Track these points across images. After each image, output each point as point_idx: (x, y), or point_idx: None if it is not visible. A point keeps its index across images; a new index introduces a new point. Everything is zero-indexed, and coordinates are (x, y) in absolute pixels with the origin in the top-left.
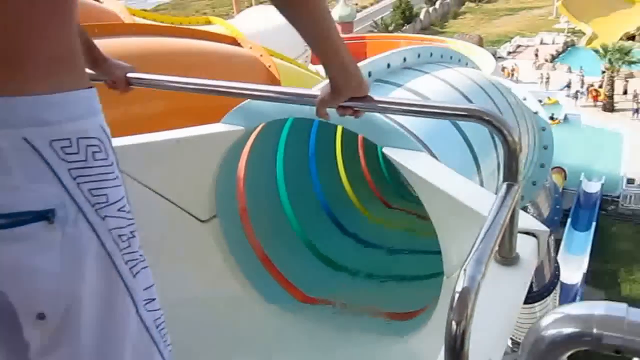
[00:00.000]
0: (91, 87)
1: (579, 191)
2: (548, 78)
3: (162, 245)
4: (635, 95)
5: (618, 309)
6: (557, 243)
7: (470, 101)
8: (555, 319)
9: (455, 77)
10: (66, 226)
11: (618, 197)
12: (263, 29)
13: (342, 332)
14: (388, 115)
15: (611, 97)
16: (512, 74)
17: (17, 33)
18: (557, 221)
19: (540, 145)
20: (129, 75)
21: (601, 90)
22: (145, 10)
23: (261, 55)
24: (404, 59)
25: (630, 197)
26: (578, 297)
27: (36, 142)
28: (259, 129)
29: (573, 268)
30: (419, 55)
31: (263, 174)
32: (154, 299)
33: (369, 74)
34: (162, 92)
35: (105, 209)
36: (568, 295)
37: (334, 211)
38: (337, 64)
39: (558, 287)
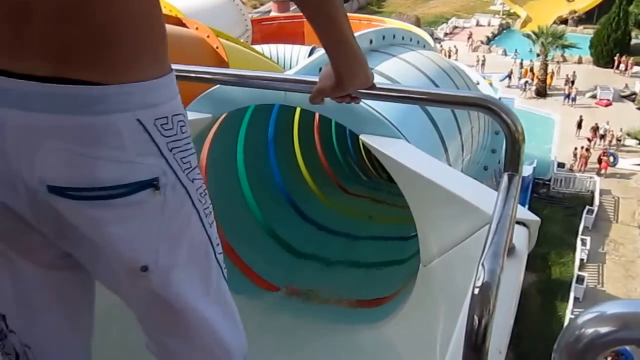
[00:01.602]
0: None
1: None
2: (484, 61)
3: None
4: (567, 81)
5: None
6: None
7: (435, 84)
8: (593, 318)
9: (419, 60)
10: (167, 191)
11: (549, 180)
12: (199, 8)
13: (309, 321)
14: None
15: (544, 81)
16: (450, 56)
17: (132, 25)
18: None
19: (492, 131)
20: None
21: (536, 73)
22: None
23: (208, 37)
24: (370, 41)
25: (561, 180)
26: None
27: (145, 121)
28: (223, 116)
29: None
30: (383, 37)
31: (224, 163)
32: (219, 244)
33: None
34: None
35: (192, 173)
36: None
37: (294, 198)
38: (348, 54)
39: None
